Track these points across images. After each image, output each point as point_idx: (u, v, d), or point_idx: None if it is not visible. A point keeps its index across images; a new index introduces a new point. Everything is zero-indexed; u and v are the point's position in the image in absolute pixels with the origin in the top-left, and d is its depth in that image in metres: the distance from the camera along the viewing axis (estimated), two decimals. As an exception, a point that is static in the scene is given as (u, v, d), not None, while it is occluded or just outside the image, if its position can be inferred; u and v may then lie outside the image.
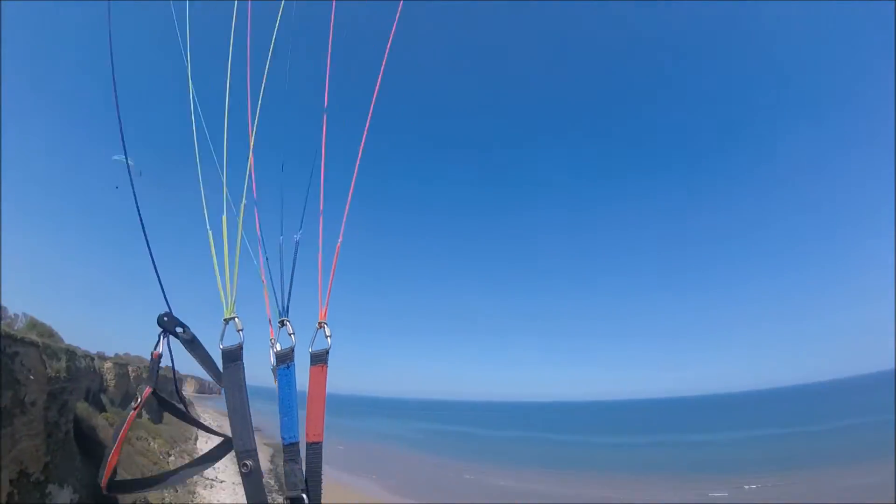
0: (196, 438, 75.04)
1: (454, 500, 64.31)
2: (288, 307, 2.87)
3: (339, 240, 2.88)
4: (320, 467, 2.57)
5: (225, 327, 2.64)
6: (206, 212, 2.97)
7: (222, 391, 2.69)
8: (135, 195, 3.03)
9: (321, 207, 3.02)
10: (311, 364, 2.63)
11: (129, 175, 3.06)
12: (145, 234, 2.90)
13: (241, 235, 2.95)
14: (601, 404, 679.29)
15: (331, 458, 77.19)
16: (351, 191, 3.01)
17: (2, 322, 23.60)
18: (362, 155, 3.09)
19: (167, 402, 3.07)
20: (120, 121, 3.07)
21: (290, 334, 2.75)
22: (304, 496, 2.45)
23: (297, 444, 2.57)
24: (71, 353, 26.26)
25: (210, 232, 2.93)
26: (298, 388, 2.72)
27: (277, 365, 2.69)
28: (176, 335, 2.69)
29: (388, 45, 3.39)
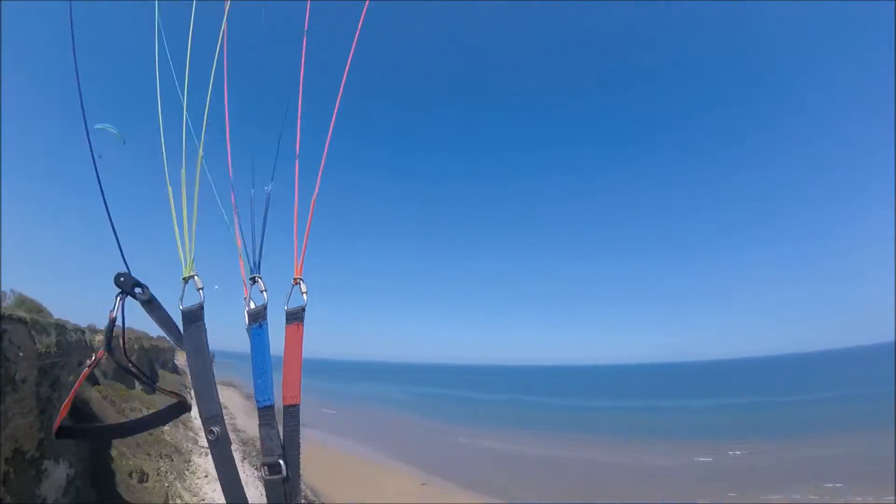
0: (191, 406, 75.57)
1: (447, 462, 65.52)
2: (260, 263, 2.69)
3: (316, 190, 2.69)
4: (298, 431, 2.43)
5: (184, 287, 2.49)
6: (165, 162, 2.75)
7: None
8: (92, 153, 2.72)
9: (297, 150, 2.83)
10: (286, 323, 2.48)
11: (85, 122, 2.73)
12: (102, 192, 2.65)
13: (199, 186, 2.74)
14: (601, 368, 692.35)
15: (323, 422, 78.96)
16: (329, 136, 2.79)
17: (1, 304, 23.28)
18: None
19: (126, 367, 2.87)
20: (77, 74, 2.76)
21: (262, 291, 2.58)
22: (282, 462, 2.31)
23: (272, 407, 2.41)
24: (61, 327, 25.99)
25: (168, 183, 2.70)
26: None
27: (250, 324, 2.52)
28: (134, 296, 2.49)
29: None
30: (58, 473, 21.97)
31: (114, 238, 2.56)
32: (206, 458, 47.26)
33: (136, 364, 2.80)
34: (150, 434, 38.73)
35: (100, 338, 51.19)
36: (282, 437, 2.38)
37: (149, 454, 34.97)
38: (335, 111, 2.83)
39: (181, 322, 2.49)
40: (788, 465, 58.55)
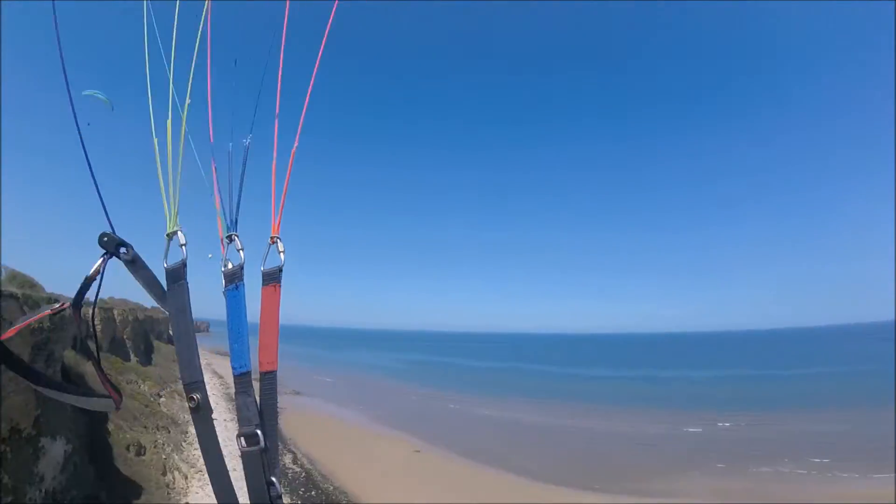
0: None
1: (442, 430, 66.33)
2: (237, 220, 2.51)
3: (295, 144, 2.52)
4: (276, 399, 2.26)
5: (168, 244, 2.32)
6: (151, 115, 2.57)
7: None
8: (72, 103, 2.53)
9: (278, 98, 2.62)
10: (262, 284, 2.32)
11: (66, 79, 2.58)
12: (85, 150, 2.45)
13: (185, 135, 2.53)
14: (601, 337, 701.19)
15: (318, 390, 79.57)
16: (311, 85, 2.60)
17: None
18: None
19: (83, 335, 2.49)
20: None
21: (238, 250, 2.40)
22: (259, 432, 2.14)
23: (248, 373, 2.25)
24: (54, 301, 25.74)
25: (155, 137, 2.51)
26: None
27: (226, 286, 2.35)
28: (119, 256, 2.30)
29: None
30: (55, 450, 22.03)
31: (98, 199, 2.36)
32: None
33: (96, 337, 2.58)
34: (147, 406, 39.03)
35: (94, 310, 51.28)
36: (258, 405, 2.21)
37: (146, 427, 35.20)
38: (318, 57, 2.65)
39: (165, 282, 2.32)
40: (777, 439, 59.68)
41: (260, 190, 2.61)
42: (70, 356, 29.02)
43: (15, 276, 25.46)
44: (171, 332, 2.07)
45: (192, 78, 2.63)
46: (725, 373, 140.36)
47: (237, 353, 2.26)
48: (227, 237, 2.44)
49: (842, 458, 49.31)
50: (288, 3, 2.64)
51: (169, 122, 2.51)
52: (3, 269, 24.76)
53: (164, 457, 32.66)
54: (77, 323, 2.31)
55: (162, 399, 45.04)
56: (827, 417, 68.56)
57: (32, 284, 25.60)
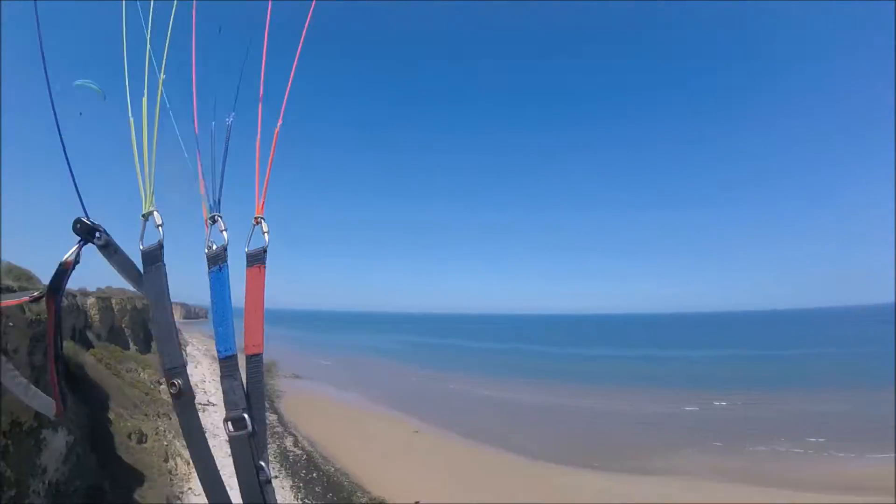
0: (185, 364, 76.25)
1: (441, 410, 66.85)
2: (220, 200, 2.47)
3: (279, 122, 2.47)
4: (262, 382, 2.25)
5: (144, 225, 2.27)
6: (128, 91, 2.50)
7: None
8: (49, 88, 2.49)
9: (262, 74, 2.55)
10: (247, 265, 2.31)
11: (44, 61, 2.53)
12: (60, 133, 2.29)
13: (162, 112, 2.45)
14: (599, 318, 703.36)
15: (316, 372, 79.97)
16: (295, 62, 2.53)
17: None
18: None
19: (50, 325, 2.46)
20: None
21: (221, 231, 2.37)
22: (246, 416, 2.13)
23: (234, 357, 2.22)
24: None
25: (131, 118, 2.43)
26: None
27: (209, 268, 2.30)
28: (94, 242, 2.22)
29: None
30: (57, 442, 22.11)
31: (72, 184, 2.27)
32: (203, 414, 47.88)
33: (60, 331, 2.55)
34: (147, 394, 39.21)
35: (92, 300, 51.37)
36: (245, 389, 2.20)
37: (146, 414, 35.38)
38: (303, 34, 2.56)
39: (141, 265, 2.28)
40: (774, 418, 60.27)
41: (247, 171, 2.54)
42: (69, 347, 29.05)
43: (11, 270, 25.34)
44: (150, 316, 1.95)
45: (169, 51, 2.53)
46: (723, 353, 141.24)
47: (222, 337, 2.23)
48: (210, 218, 2.40)
49: (839, 438, 49.74)
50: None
51: (144, 99, 2.46)
52: (0, 263, 24.66)
53: (165, 444, 32.86)
54: (49, 312, 2.23)
55: (162, 386, 45.12)
56: (824, 398, 69.08)
57: (29, 277, 25.49)
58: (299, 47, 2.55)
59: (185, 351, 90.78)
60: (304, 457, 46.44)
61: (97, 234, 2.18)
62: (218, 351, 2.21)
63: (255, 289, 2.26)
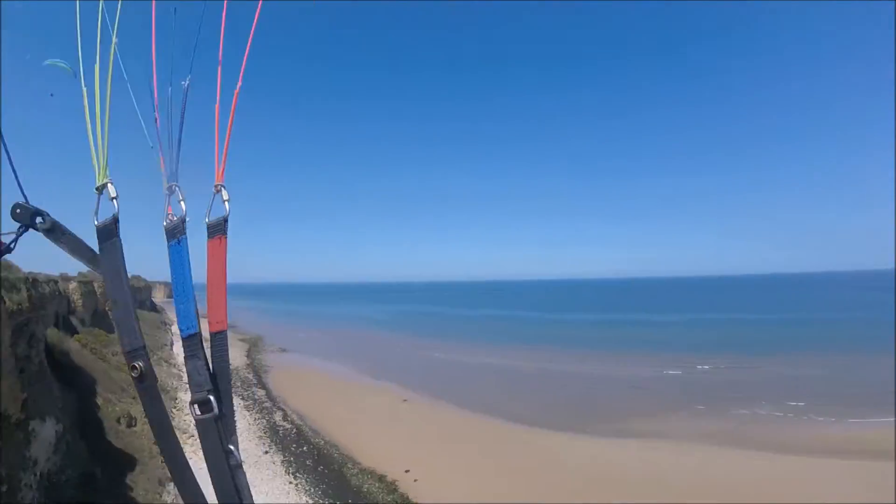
0: (171, 344, 75.90)
1: (424, 377, 67.77)
2: (177, 169, 2.33)
3: (239, 84, 2.31)
4: (228, 361, 2.15)
5: (99, 199, 2.14)
6: (80, 59, 2.37)
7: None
8: None
9: (222, 33, 2.41)
10: (208, 237, 2.20)
11: None
12: None
13: (113, 78, 2.30)
14: (599, 282, 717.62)
15: (303, 345, 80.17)
16: (255, 20, 2.40)
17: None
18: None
19: None
20: None
21: (179, 201, 2.24)
22: (212, 398, 2.01)
23: (196, 335, 2.10)
24: (32, 281, 25.41)
25: (84, 87, 2.31)
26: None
27: (168, 241, 2.17)
28: (36, 227, 2.12)
29: None
30: (46, 432, 21.93)
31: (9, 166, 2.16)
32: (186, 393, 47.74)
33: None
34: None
35: (74, 285, 50.49)
36: (211, 368, 2.09)
37: (134, 397, 35.15)
38: None
39: (97, 242, 2.15)
40: (755, 382, 61.91)
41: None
42: (53, 334, 28.73)
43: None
44: (107, 296, 1.85)
45: (122, 13, 2.39)
46: (712, 317, 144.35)
47: (183, 315, 2.12)
48: (167, 189, 2.28)
49: (818, 401, 51.22)
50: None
51: (97, 66, 2.34)
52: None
53: (155, 426, 32.79)
54: None
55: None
56: (805, 362, 70.99)
57: (8, 266, 24.96)
58: (258, 6, 2.40)
59: (171, 330, 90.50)
60: (294, 430, 46.72)
61: (39, 219, 2.10)
62: (180, 330, 2.10)
63: (217, 261, 2.17)
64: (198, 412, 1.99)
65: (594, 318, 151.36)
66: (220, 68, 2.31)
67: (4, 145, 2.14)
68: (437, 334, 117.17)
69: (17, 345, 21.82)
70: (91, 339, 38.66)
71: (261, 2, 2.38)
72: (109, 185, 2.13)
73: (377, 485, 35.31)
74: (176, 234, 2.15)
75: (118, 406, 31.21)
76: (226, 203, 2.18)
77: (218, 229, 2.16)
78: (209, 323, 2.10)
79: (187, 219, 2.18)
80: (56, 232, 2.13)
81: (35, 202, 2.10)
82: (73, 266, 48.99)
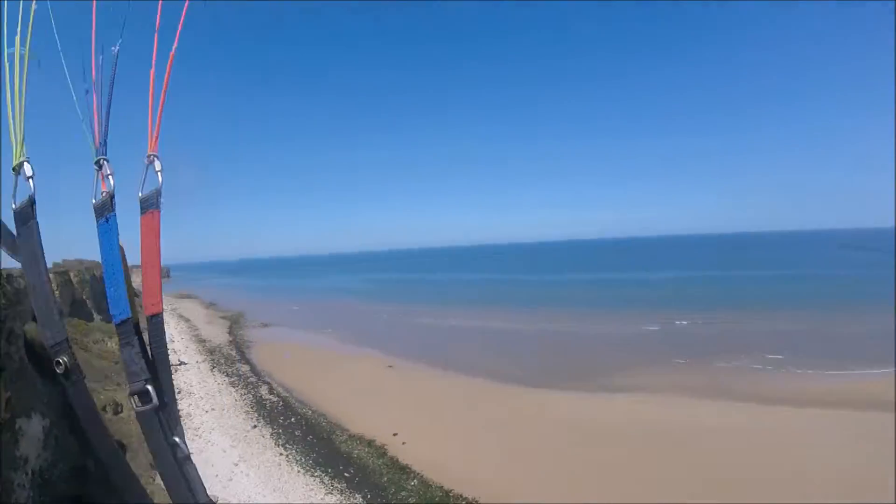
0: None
1: (409, 343, 68.70)
2: (106, 142, 2.15)
3: (174, 45, 2.17)
4: (166, 346, 2.05)
5: (16, 180, 2.02)
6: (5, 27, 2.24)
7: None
8: None
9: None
10: (140, 213, 2.05)
11: None
12: None
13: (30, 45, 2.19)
14: (598, 242, 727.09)
15: (286, 318, 79.91)
16: None
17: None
18: None
19: None
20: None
21: (107, 176, 2.09)
22: (150, 388, 1.91)
23: (129, 321, 1.97)
24: (7, 276, 24.94)
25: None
26: None
27: (96, 220, 2.04)
28: None
29: None
30: (33, 428, 21.60)
31: None
32: (177, 375, 47.76)
33: None
34: (117, 363, 38.67)
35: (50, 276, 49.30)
36: (150, 355, 2.00)
37: (119, 384, 35.04)
38: None
39: (14, 226, 2.07)
40: (733, 336, 63.30)
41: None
42: (32, 329, 28.31)
43: None
44: (27, 284, 1.81)
45: None
46: (705, 274, 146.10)
47: (114, 299, 1.99)
48: (95, 163, 2.11)
49: (797, 354, 52.49)
50: None
51: (18, 35, 2.21)
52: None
53: (142, 410, 32.83)
54: None
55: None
56: (784, 317, 72.59)
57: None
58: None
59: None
60: (281, 403, 46.87)
61: None
62: (112, 315, 1.99)
63: (151, 237, 2.03)
64: (137, 404, 1.91)
65: (588, 278, 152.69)
66: (156, 36, 2.18)
67: None
68: (425, 301, 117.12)
69: (-3, 343, 21.65)
70: (71, 329, 38.07)
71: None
72: (26, 164, 2.03)
73: (366, 450, 35.70)
74: (104, 212, 2.03)
75: (103, 394, 30.95)
76: (159, 174, 2.06)
77: (150, 203, 2.04)
78: (144, 306, 2.01)
79: (116, 196, 2.07)
80: None
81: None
82: (47, 257, 47.39)
